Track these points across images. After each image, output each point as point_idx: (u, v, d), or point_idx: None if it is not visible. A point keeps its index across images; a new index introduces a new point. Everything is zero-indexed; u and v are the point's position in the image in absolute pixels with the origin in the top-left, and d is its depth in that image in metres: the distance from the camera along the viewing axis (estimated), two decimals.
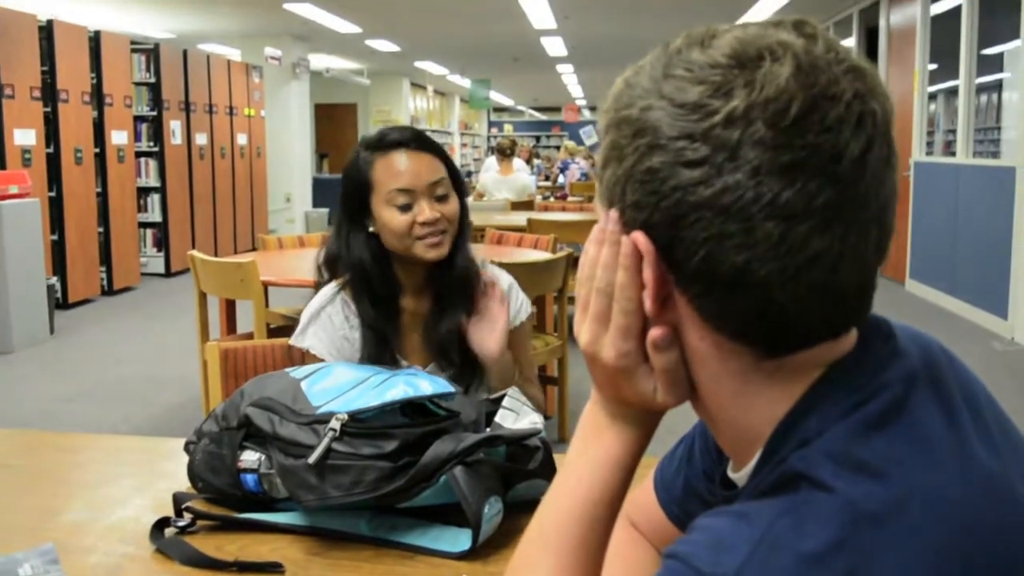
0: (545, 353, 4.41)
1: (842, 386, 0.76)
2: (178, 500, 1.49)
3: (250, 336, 4.23)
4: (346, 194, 2.05)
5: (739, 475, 0.83)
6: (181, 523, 1.46)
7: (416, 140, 2.03)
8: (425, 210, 1.97)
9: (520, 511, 1.49)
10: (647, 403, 0.84)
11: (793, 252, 0.69)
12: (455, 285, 2.05)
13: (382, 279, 2.02)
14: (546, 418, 4.98)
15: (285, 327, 4.17)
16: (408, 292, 2.08)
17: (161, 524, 1.45)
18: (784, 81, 0.69)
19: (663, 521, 1.12)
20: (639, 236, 0.75)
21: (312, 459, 1.36)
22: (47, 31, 8.33)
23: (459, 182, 2.09)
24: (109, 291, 9.36)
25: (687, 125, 0.70)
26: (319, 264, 2.12)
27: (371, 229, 2.02)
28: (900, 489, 0.69)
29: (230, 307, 4.76)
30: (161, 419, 5.23)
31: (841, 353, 0.78)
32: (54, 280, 7.78)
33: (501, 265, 3.91)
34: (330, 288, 2.06)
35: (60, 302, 8.22)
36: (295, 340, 2.06)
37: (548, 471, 1.49)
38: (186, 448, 1.65)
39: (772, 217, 0.68)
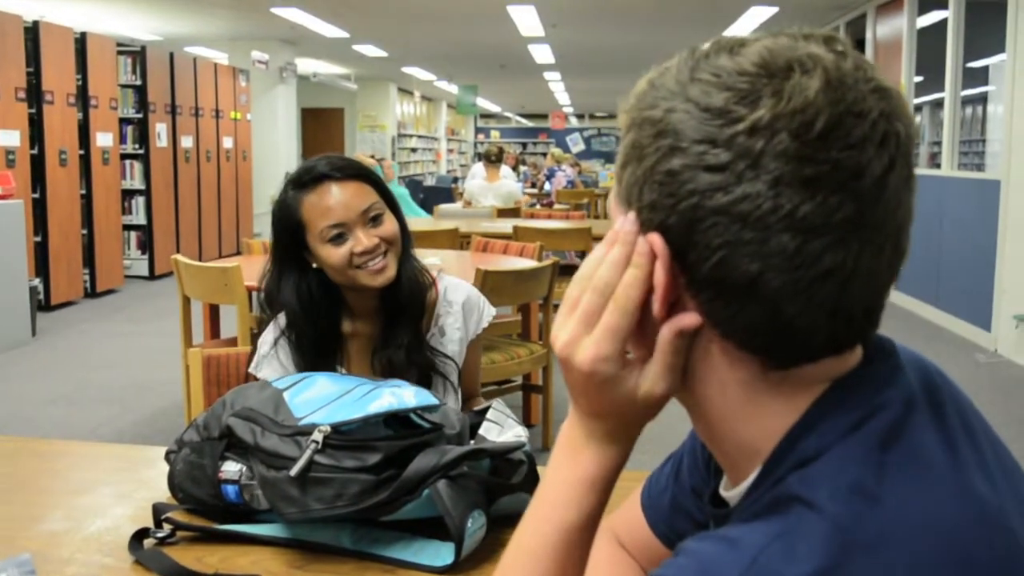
0: (530, 361, 4.40)
1: (843, 404, 0.75)
2: (158, 511, 1.47)
3: (234, 341, 4.21)
4: (277, 236, 2.00)
5: (732, 493, 0.82)
6: (161, 534, 1.44)
7: (341, 169, 1.96)
8: (361, 240, 1.93)
9: (503, 525, 1.49)
10: (625, 408, 0.82)
11: (806, 266, 0.69)
12: (404, 303, 2.02)
13: (315, 321, 1.99)
14: (530, 426, 5.00)
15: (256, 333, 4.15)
16: (360, 317, 2.05)
17: (140, 535, 1.44)
18: (812, 94, 0.68)
19: (650, 539, 1.11)
20: (655, 237, 0.74)
21: (294, 471, 1.34)
22: (32, 32, 8.29)
23: (392, 202, 2.04)
24: (92, 293, 9.30)
25: (711, 130, 0.70)
26: (261, 302, 2.08)
27: (314, 265, 1.98)
28: (895, 515, 0.69)
29: (214, 311, 4.74)
30: (143, 424, 5.20)
31: (845, 369, 0.77)
32: (37, 282, 7.75)
33: (487, 273, 3.94)
34: (275, 322, 2.03)
35: (43, 304, 8.18)
36: (253, 369, 2.04)
37: (532, 485, 1.48)
38: (167, 457, 1.63)
39: (789, 229, 0.68)
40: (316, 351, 1.99)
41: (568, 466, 0.88)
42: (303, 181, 1.97)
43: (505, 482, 1.45)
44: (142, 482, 1.72)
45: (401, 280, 2.00)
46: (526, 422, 5.01)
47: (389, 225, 1.99)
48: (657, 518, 1.11)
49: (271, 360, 2.02)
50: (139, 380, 6.07)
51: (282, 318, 2.02)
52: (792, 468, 0.73)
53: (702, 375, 0.79)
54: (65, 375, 6.25)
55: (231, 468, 1.49)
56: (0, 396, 5.74)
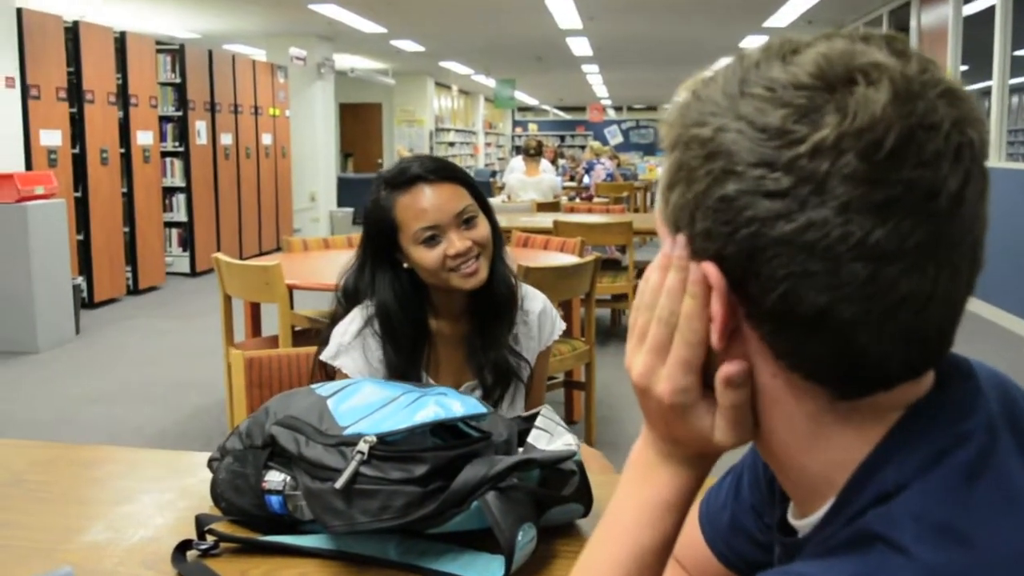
0: (572, 358, 4.36)
1: (922, 433, 0.70)
2: (200, 522, 1.44)
3: (275, 339, 4.20)
4: (369, 234, 2.01)
5: (803, 523, 0.77)
6: (204, 546, 1.41)
7: (435, 171, 1.96)
8: (455, 242, 1.92)
9: (553, 536, 1.45)
10: (702, 443, 0.78)
11: (881, 295, 0.64)
12: (497, 310, 2.02)
13: (408, 318, 1.98)
14: (572, 423, 4.96)
15: (310, 330, 4.14)
16: (445, 316, 2.05)
17: (183, 547, 1.40)
18: (880, 109, 0.63)
19: (707, 557, 1.06)
20: (710, 267, 0.69)
21: (339, 484, 1.30)
22: (73, 32, 8.35)
23: (485, 204, 2.03)
24: (135, 291, 9.37)
25: (768, 152, 0.64)
26: (338, 296, 2.07)
27: (405, 265, 1.98)
28: (987, 556, 0.63)
29: (255, 309, 4.73)
30: (185, 423, 5.20)
31: (919, 394, 0.72)
32: (80, 280, 7.79)
33: (528, 270, 3.90)
34: (363, 310, 2.01)
35: (86, 302, 8.24)
36: (327, 357, 2.01)
37: (583, 496, 1.43)
38: (209, 465, 1.60)
39: (861, 258, 0.63)
40: (409, 347, 1.98)
41: (643, 488, 0.84)
42: (397, 182, 1.96)
43: (556, 494, 1.40)
44: (184, 490, 1.69)
45: (493, 282, 2.00)
46: (569, 419, 4.97)
47: (482, 228, 1.97)
48: (715, 536, 1.06)
49: (353, 351, 1.98)
50: (181, 378, 6.09)
51: (363, 309, 2.00)
52: (870, 503, 0.68)
53: (766, 408, 0.74)
54: (108, 373, 6.28)
55: (275, 478, 1.45)
56: (44, 396, 5.78)
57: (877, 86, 0.63)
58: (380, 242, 1.98)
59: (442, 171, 1.97)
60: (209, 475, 1.58)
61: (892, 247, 0.63)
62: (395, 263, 1.99)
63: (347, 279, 2.05)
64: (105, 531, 1.51)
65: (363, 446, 1.33)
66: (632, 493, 0.84)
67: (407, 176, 1.95)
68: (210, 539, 1.42)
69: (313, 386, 1.59)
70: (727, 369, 0.72)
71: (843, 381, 0.69)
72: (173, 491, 1.69)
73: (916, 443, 0.69)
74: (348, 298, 2.05)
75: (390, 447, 1.35)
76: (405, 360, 1.97)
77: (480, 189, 2.04)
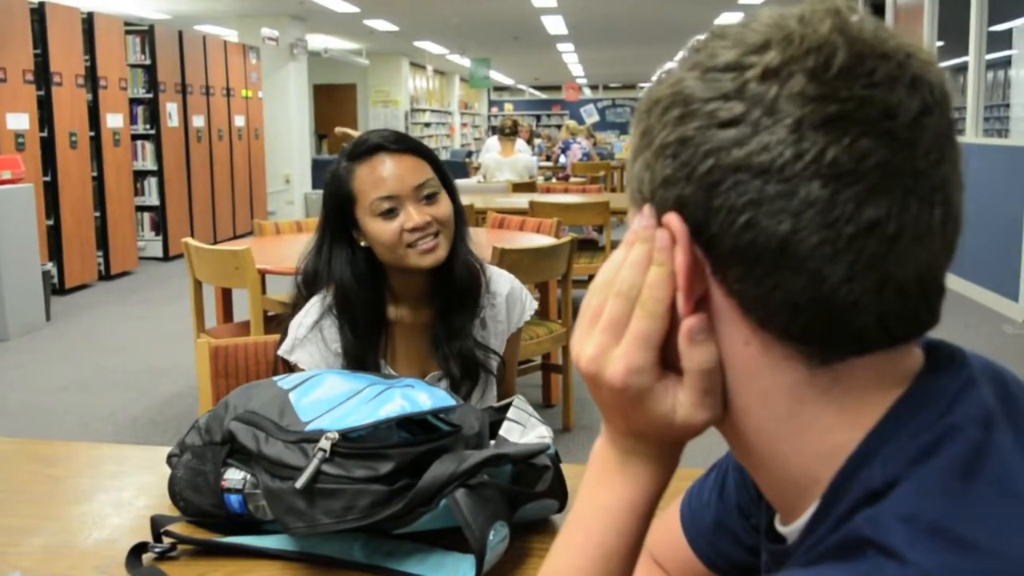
0: (549, 340, 4.30)
1: (909, 424, 0.64)
2: (156, 524, 1.37)
3: (247, 325, 4.13)
4: (327, 209, 1.92)
5: (790, 529, 0.71)
6: (160, 548, 1.34)
7: (397, 141, 1.89)
8: (413, 215, 1.84)
9: (526, 532, 1.39)
10: (665, 430, 0.72)
11: (844, 219, 0.60)
12: (460, 294, 1.93)
13: (366, 299, 1.90)
14: (550, 406, 4.91)
15: (283, 315, 4.06)
16: (405, 303, 1.96)
17: (138, 550, 1.34)
18: (827, 31, 0.62)
19: (689, 558, 1.01)
20: (672, 217, 0.66)
21: (300, 483, 1.24)
22: (39, 13, 8.18)
23: (449, 182, 1.95)
24: (107, 276, 9.25)
25: (720, 85, 0.64)
26: (298, 283, 1.99)
27: (362, 243, 1.90)
28: (991, 562, 0.57)
29: (226, 295, 4.66)
30: (158, 410, 5.12)
31: (906, 377, 0.66)
32: (50, 266, 7.67)
33: (504, 251, 3.84)
34: (320, 300, 1.93)
35: (57, 287, 8.12)
36: (283, 352, 1.93)
37: (558, 492, 1.38)
38: (168, 461, 1.53)
39: (817, 176, 0.60)
40: (367, 331, 1.90)
41: (606, 490, 0.77)
42: (357, 152, 1.89)
43: (529, 491, 1.35)
44: (143, 488, 1.62)
45: (454, 266, 1.91)
46: (546, 402, 4.93)
47: (443, 205, 1.89)
48: (698, 537, 1.00)
49: (309, 344, 1.90)
50: (154, 364, 6.01)
51: (321, 299, 1.92)
52: (858, 503, 0.63)
53: (739, 385, 0.68)
54: (79, 360, 6.19)
55: (234, 476, 1.39)
56: (15, 383, 5.68)
57: (822, 20, 0.63)
58: (337, 219, 1.90)
59: (404, 142, 1.90)
60: (169, 472, 1.51)
61: (849, 165, 0.60)
62: (352, 241, 1.91)
63: (306, 262, 1.97)
64: (58, 533, 1.45)
65: (325, 443, 1.27)
66: (594, 495, 0.78)
67: (367, 146, 1.88)
68: (167, 541, 1.36)
69: (276, 378, 1.53)
70: (687, 323, 0.67)
71: (818, 335, 0.64)
72: (132, 488, 1.63)
73: (903, 434, 0.64)
74: (307, 282, 1.97)
75: (353, 444, 1.28)
76: (364, 345, 1.89)
77: (444, 167, 1.96)
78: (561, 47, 20.17)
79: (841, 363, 0.65)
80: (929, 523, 0.59)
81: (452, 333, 1.93)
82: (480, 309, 1.98)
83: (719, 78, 0.63)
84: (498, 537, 1.26)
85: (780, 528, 0.74)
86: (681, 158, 0.64)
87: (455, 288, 1.93)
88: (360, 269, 1.90)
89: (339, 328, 1.89)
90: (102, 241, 9.18)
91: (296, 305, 1.97)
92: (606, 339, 0.70)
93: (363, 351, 1.88)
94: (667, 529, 1.04)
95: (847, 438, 0.65)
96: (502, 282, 2.04)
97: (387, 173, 1.85)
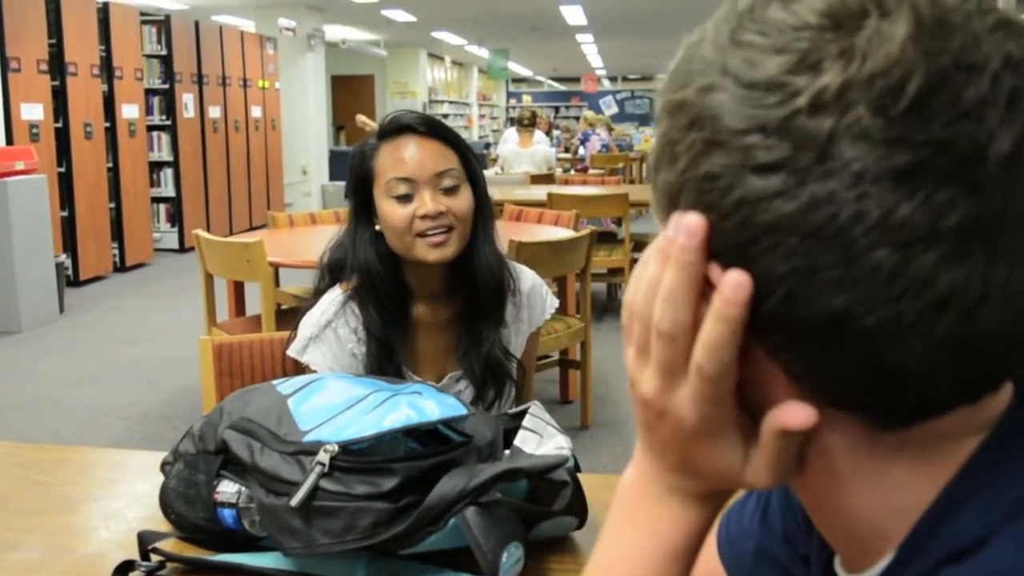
0: (567, 336, 4.20)
1: (1001, 470, 0.53)
2: (144, 540, 1.27)
3: (258, 319, 4.04)
4: (351, 187, 1.85)
5: None
6: (147, 567, 1.25)
7: (426, 124, 1.79)
8: (427, 202, 1.74)
9: (542, 550, 1.29)
10: (726, 480, 0.61)
11: (914, 293, 0.47)
12: (483, 299, 1.83)
13: (391, 283, 1.80)
14: (567, 403, 4.80)
15: (297, 309, 3.97)
16: (421, 299, 1.85)
17: (124, 568, 1.24)
18: (898, 47, 0.47)
19: None
20: (713, 268, 0.53)
21: (295, 501, 1.13)
22: (54, 2, 8.11)
23: (476, 176, 1.84)
24: (122, 268, 9.19)
25: (758, 112, 0.49)
26: (321, 268, 1.89)
27: (377, 227, 1.81)
28: None
29: (238, 288, 4.58)
30: (167, 404, 5.05)
31: (993, 416, 0.55)
32: (64, 257, 7.61)
33: (521, 244, 3.73)
34: (337, 296, 1.83)
35: (71, 279, 8.07)
36: (294, 352, 1.82)
37: (577, 510, 1.27)
38: (162, 468, 1.43)
39: (882, 244, 0.47)
40: (394, 312, 1.80)
41: (642, 531, 0.66)
42: (386, 131, 1.81)
43: (546, 509, 1.24)
44: (136, 497, 1.52)
45: (472, 266, 1.81)
46: (563, 399, 4.83)
47: (463, 200, 1.79)
48: (736, 563, 0.89)
49: (322, 344, 1.80)
50: (166, 357, 5.94)
51: (336, 297, 1.82)
52: (944, 559, 0.52)
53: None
54: (92, 353, 6.12)
55: (228, 489, 1.29)
56: (27, 376, 5.62)
57: (894, 17, 0.48)
58: (359, 196, 1.82)
59: (433, 126, 1.81)
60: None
61: (923, 228, 0.47)
62: (374, 225, 1.82)
63: (333, 248, 1.88)
64: (40, 548, 1.35)
65: (323, 456, 1.17)
66: (629, 538, 0.66)
67: (397, 124, 1.80)
68: (155, 559, 1.26)
69: (275, 382, 1.42)
70: (789, 418, 0.54)
71: (879, 409, 0.53)
72: (124, 497, 1.53)
73: (995, 482, 0.53)
74: (332, 268, 1.87)
75: (355, 457, 1.18)
76: (389, 329, 1.78)
77: (475, 162, 1.86)
78: (580, 38, 20.03)
79: (908, 427, 0.54)
80: None
81: (477, 340, 1.83)
82: (504, 314, 1.87)
83: (759, 100, 0.50)
84: (512, 559, 1.15)
85: (843, 575, 0.63)
86: (707, 199, 0.52)
87: (476, 290, 1.82)
88: (383, 252, 1.81)
89: (364, 314, 1.79)
90: (117, 233, 9.12)
91: (319, 291, 1.87)
92: (665, 383, 0.58)
93: (389, 335, 1.78)
94: (701, 558, 0.93)
95: (921, 494, 0.55)
96: (524, 279, 1.94)
97: (408, 155, 1.77)
